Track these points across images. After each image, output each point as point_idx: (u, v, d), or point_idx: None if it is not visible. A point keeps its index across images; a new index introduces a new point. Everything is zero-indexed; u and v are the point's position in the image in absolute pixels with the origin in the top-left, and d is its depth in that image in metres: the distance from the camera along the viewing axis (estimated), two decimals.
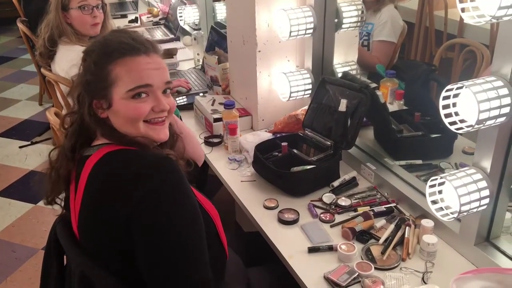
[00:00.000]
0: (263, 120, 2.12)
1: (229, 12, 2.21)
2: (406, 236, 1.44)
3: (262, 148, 1.80)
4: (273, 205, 1.63)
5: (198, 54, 2.94)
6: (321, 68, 2.00)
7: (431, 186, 1.31)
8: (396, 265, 1.35)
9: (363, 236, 1.46)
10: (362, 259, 1.38)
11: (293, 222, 1.55)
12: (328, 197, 1.65)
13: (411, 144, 1.87)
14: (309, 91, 2.00)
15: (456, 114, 1.19)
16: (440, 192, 1.30)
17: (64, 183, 1.20)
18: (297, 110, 2.03)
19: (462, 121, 1.19)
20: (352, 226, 1.49)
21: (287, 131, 2.02)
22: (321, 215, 1.57)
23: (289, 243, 1.46)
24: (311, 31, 1.88)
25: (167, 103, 1.17)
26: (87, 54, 1.17)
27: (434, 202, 1.31)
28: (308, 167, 1.67)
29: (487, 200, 1.24)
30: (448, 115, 1.20)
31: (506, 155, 1.24)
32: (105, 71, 1.12)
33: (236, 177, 1.82)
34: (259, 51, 1.97)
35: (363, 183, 1.75)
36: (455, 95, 1.19)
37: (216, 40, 2.76)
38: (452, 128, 1.19)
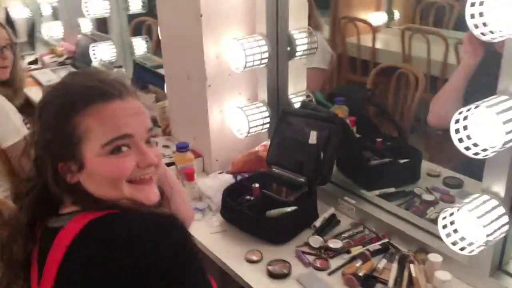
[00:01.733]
0: (217, 160, 1.92)
1: (166, 47, 2.00)
2: (413, 275, 1.31)
3: (229, 192, 1.60)
4: (257, 258, 1.43)
5: None
6: (277, 99, 1.86)
7: (443, 218, 1.20)
8: None
9: (369, 281, 1.32)
10: None
11: (287, 275, 1.36)
12: (314, 241, 1.48)
13: (382, 172, 1.78)
14: (267, 125, 1.85)
15: (468, 137, 1.10)
16: (451, 223, 1.20)
17: (20, 267, 0.92)
18: (254, 147, 1.86)
19: (475, 145, 1.11)
20: (354, 272, 1.34)
21: (247, 170, 1.83)
22: (315, 262, 1.40)
23: None
24: (265, 60, 1.74)
25: (154, 155, 0.94)
26: (42, 108, 0.92)
27: (447, 235, 1.20)
28: (289, 209, 1.50)
29: (506, 227, 1.16)
30: (460, 140, 1.11)
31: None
32: (70, 126, 0.88)
33: (203, 229, 1.59)
34: (209, 86, 1.78)
35: (344, 220, 1.61)
36: (465, 118, 1.10)
37: (144, 77, 2.52)
38: (469, 153, 1.09)
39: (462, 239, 1.18)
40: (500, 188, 1.17)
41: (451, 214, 1.19)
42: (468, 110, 1.08)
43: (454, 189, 1.77)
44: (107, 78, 0.95)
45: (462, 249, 1.18)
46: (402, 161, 1.80)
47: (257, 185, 1.60)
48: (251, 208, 1.53)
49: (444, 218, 1.20)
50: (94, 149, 0.88)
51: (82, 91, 0.90)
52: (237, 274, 1.39)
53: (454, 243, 1.18)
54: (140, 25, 3.44)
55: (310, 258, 1.42)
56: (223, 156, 1.92)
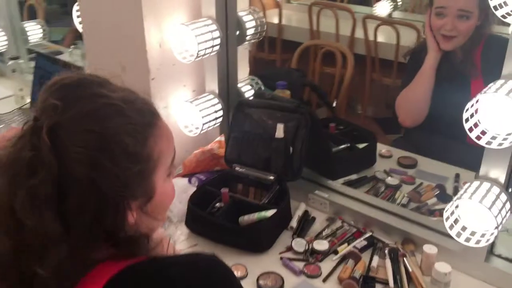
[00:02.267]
0: None
1: (89, 33, 1.70)
2: (410, 270, 1.26)
3: (195, 201, 1.41)
4: (242, 273, 1.27)
5: (21, 90, 2.27)
6: (227, 90, 1.68)
7: (450, 213, 1.15)
8: None
9: (368, 283, 1.23)
10: None
11: None
12: (298, 244, 1.36)
13: (344, 159, 1.71)
14: (220, 119, 1.67)
15: (476, 125, 1.05)
16: (452, 213, 1.16)
17: None
18: (205, 144, 1.68)
19: (483, 132, 1.06)
20: (350, 275, 1.25)
21: (201, 170, 1.65)
22: (304, 269, 1.29)
23: None
24: (217, 47, 1.55)
25: None
26: (106, 141, 0.69)
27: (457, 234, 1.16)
28: (268, 213, 1.36)
29: (509, 213, 1.14)
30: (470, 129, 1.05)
31: None
32: (146, 151, 0.72)
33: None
34: (153, 79, 1.54)
35: (319, 216, 1.51)
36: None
37: (50, 70, 2.16)
38: (481, 142, 1.04)
39: (473, 233, 1.14)
40: (499, 174, 1.14)
41: (457, 207, 1.14)
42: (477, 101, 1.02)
43: (410, 169, 1.76)
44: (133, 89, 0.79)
45: (467, 240, 1.14)
46: (361, 145, 1.74)
47: (226, 190, 1.43)
48: (224, 217, 1.36)
49: (450, 212, 1.15)
50: (162, 174, 0.76)
51: (146, 108, 0.75)
52: None
53: (467, 240, 1.13)
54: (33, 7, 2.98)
55: (299, 265, 1.30)
56: None
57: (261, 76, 2.32)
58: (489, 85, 1.04)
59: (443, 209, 1.49)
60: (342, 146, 1.73)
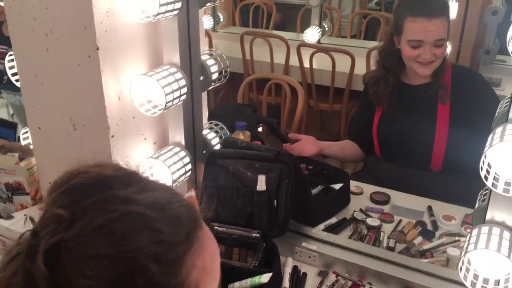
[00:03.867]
0: None
1: (27, 86, 1.47)
2: None
3: None
4: None
5: None
6: (193, 140, 1.54)
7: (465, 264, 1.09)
8: None
9: None
10: None
11: None
12: None
13: (321, 202, 1.62)
14: (189, 173, 1.51)
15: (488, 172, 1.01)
16: (462, 263, 1.11)
17: None
18: None
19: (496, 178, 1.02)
20: None
21: None
22: None
23: None
24: (184, 96, 1.40)
25: None
26: (126, 269, 0.52)
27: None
28: (264, 278, 1.22)
29: None
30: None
31: None
32: (180, 278, 0.54)
33: None
34: (113, 136, 1.36)
35: (309, 271, 1.41)
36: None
37: None
38: (498, 190, 1.00)
39: (485, 281, 1.09)
40: (507, 217, 1.11)
41: (469, 259, 1.08)
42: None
43: (385, 205, 1.72)
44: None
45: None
46: (336, 186, 1.67)
47: None
48: None
49: (465, 263, 1.09)
50: None
51: (181, 215, 0.58)
52: None
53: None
54: None
55: None
56: None
57: (213, 115, 2.20)
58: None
59: (432, 248, 1.47)
60: (318, 189, 1.65)
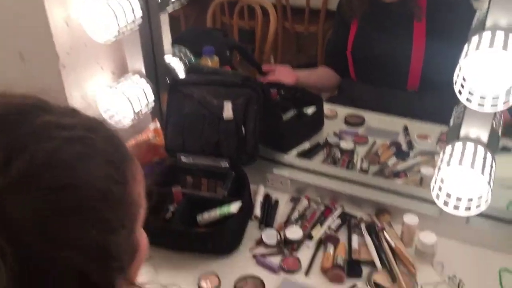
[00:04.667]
0: None
1: None
2: (393, 245, 1.17)
3: None
4: (215, 283, 1.10)
5: None
6: (154, 67, 1.44)
7: (437, 182, 1.06)
8: (417, 287, 1.09)
9: (355, 269, 1.13)
10: None
11: None
12: (268, 236, 1.22)
13: (293, 127, 1.56)
14: (152, 104, 1.43)
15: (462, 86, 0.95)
16: (442, 183, 1.07)
17: None
18: (136, 134, 1.44)
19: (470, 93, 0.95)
20: (333, 263, 1.13)
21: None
22: (282, 264, 1.15)
23: None
24: (140, 20, 1.29)
25: None
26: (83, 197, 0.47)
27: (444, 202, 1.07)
28: (233, 208, 1.18)
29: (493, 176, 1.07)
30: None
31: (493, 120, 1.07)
32: (128, 195, 0.52)
33: None
34: (64, 67, 1.26)
35: (281, 197, 1.37)
36: None
37: None
38: (472, 106, 0.94)
39: (458, 198, 1.06)
40: (481, 133, 1.06)
41: (442, 178, 1.05)
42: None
43: (359, 127, 1.67)
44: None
45: (467, 209, 1.06)
46: (309, 110, 1.60)
47: (178, 188, 1.22)
48: (182, 221, 1.17)
49: (434, 181, 1.06)
50: (140, 226, 0.56)
51: (110, 135, 0.53)
52: None
53: (456, 207, 1.05)
54: None
55: (274, 260, 1.16)
56: None
57: (178, 41, 2.07)
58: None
59: (406, 168, 1.44)
60: (290, 114, 1.58)
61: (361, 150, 1.54)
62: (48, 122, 0.48)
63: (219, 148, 1.30)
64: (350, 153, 1.52)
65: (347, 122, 1.70)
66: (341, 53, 1.90)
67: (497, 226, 1.18)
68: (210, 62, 1.67)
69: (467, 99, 0.94)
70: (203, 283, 1.10)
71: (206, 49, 1.68)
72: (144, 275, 0.61)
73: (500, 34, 0.90)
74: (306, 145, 1.55)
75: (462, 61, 0.90)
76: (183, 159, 1.33)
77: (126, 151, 0.54)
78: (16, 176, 0.43)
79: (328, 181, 1.36)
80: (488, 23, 0.94)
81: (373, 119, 1.71)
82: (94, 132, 0.50)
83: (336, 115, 1.74)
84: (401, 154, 1.51)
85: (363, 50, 1.85)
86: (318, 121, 1.64)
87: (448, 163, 1.02)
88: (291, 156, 1.46)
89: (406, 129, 1.63)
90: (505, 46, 0.87)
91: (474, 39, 0.92)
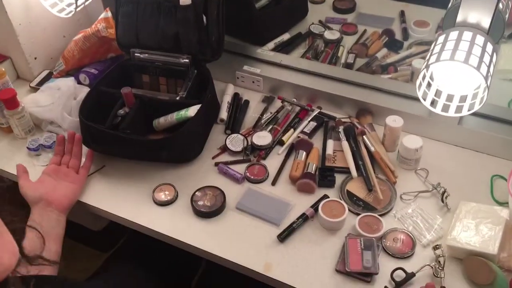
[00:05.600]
0: (35, 58, 1.27)
1: None
2: (373, 150, 1.03)
3: (89, 111, 1.05)
4: (170, 195, 0.99)
5: None
6: None
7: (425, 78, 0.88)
8: (396, 197, 0.97)
9: (327, 177, 1.00)
10: (355, 213, 0.94)
11: (222, 207, 0.97)
12: (233, 142, 1.08)
13: (270, 15, 1.35)
14: None
15: None
16: (423, 78, 0.90)
17: None
18: (87, 26, 1.25)
19: None
20: (303, 172, 1.00)
21: (89, 61, 1.25)
22: (247, 173, 1.02)
23: (245, 244, 0.91)
24: None
25: None
26: None
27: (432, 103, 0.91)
28: (191, 111, 1.03)
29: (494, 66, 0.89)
30: None
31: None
32: None
33: None
34: None
35: (253, 97, 1.22)
36: None
37: None
38: None
39: (450, 98, 0.89)
40: (482, 18, 0.86)
41: (431, 73, 0.87)
42: None
43: (349, 14, 1.46)
44: None
45: (444, 109, 0.90)
46: None
47: (127, 89, 1.06)
48: (132, 126, 1.03)
49: (422, 76, 0.88)
50: None
51: None
52: (149, 228, 0.95)
53: (443, 108, 0.89)
54: None
55: (238, 169, 1.03)
56: (43, 50, 1.28)
57: None
58: None
59: (397, 61, 1.26)
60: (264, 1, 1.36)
61: (348, 41, 1.35)
62: None
63: (178, 41, 1.12)
64: (336, 44, 1.33)
65: (335, 8, 1.48)
66: None
67: (494, 127, 1.03)
68: None
69: None
70: (158, 195, 0.99)
71: None
72: None
73: None
74: (285, 37, 1.36)
75: None
76: (138, 55, 1.15)
77: None
78: None
79: (307, 78, 1.19)
80: None
81: (366, 3, 1.49)
82: None
83: (324, 0, 1.52)
84: (394, 45, 1.32)
85: None
86: (300, 7, 1.43)
87: (438, 58, 0.83)
88: (265, 50, 1.27)
89: (402, 14, 1.42)
90: None
91: None
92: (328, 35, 1.35)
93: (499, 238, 0.83)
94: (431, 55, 0.87)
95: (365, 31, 1.38)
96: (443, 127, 1.05)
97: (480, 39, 0.86)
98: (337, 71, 1.20)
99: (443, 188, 0.95)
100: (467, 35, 0.86)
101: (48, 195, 0.94)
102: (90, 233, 1.50)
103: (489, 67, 0.84)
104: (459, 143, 1.06)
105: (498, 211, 0.88)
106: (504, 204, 0.93)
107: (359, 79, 1.16)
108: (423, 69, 0.87)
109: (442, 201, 0.94)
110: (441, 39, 0.88)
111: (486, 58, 0.84)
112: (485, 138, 1.03)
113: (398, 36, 1.35)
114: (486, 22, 0.87)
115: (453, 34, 0.87)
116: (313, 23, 1.41)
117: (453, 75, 0.88)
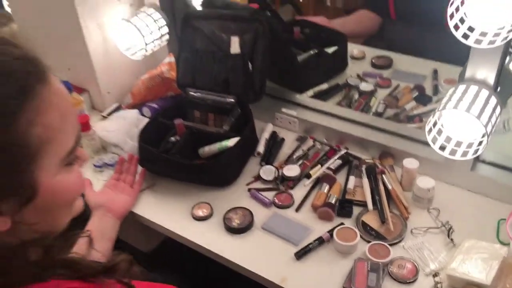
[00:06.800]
0: (109, 93, 1.50)
1: None
2: (390, 188, 1.14)
3: (146, 137, 1.25)
4: (206, 212, 1.15)
5: None
6: (170, 0, 1.44)
7: (432, 124, 1.01)
8: (406, 230, 1.07)
9: (345, 208, 1.12)
10: (367, 241, 1.05)
11: (250, 226, 1.11)
12: (266, 172, 1.23)
13: (311, 66, 1.52)
14: (166, 37, 1.45)
15: (462, 21, 0.87)
16: (434, 124, 1.02)
17: None
18: (153, 67, 1.47)
19: (470, 29, 0.88)
20: (325, 201, 1.13)
21: (152, 98, 1.46)
22: (275, 199, 1.16)
23: (266, 259, 1.04)
24: None
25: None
26: None
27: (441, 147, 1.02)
28: (230, 142, 1.20)
29: (499, 118, 1.00)
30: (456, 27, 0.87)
31: (504, 58, 0.99)
32: (12, 135, 0.50)
33: None
34: None
35: (288, 136, 1.37)
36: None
37: None
38: (469, 42, 0.87)
39: (458, 143, 1.01)
40: (488, 75, 0.99)
41: (438, 118, 1.00)
42: None
43: (385, 70, 1.60)
44: (12, 36, 0.55)
45: (464, 154, 1.01)
46: (330, 49, 1.55)
47: (180, 121, 1.25)
48: (181, 152, 1.21)
49: (433, 123, 1.01)
50: (51, 166, 0.54)
51: (12, 68, 0.51)
52: (186, 238, 1.10)
53: (443, 147, 1.00)
54: None
55: (268, 195, 1.18)
56: (116, 86, 1.50)
57: None
58: None
59: (424, 113, 1.37)
60: (309, 53, 1.54)
61: (381, 93, 1.49)
62: None
63: (227, 84, 1.31)
64: (369, 95, 1.47)
65: (374, 64, 1.63)
66: None
67: (504, 175, 1.11)
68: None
69: (464, 35, 0.87)
70: (196, 211, 1.14)
71: None
72: None
73: None
74: (323, 86, 1.52)
75: None
76: (193, 94, 1.35)
77: (25, 89, 0.51)
78: None
79: (338, 123, 1.33)
80: None
81: (403, 61, 1.63)
82: (11, 45, 0.52)
83: (364, 57, 1.68)
84: (423, 99, 1.44)
85: None
86: (340, 61, 1.59)
87: (444, 107, 0.96)
88: (304, 96, 1.44)
89: (435, 72, 1.54)
90: None
91: None
92: (363, 86, 1.50)
93: (494, 271, 0.91)
94: (440, 105, 0.99)
95: (398, 85, 1.51)
96: (456, 173, 1.15)
97: (484, 93, 0.98)
98: (366, 118, 1.34)
99: (450, 225, 1.05)
100: (473, 89, 0.99)
101: (108, 204, 1.12)
102: (140, 254, 1.66)
103: (490, 117, 0.95)
104: (471, 188, 1.15)
105: (497, 249, 0.96)
106: (507, 245, 1.01)
107: (386, 126, 1.29)
108: (432, 116, 1.00)
109: (448, 236, 1.03)
110: (450, 91, 1.01)
111: (488, 110, 0.95)
112: (496, 185, 1.11)
113: (429, 91, 1.48)
114: (491, 79, 0.99)
115: (461, 88, 1.00)
116: (351, 76, 1.57)
117: (461, 123, 0.99)
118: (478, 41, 0.87)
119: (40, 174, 0.53)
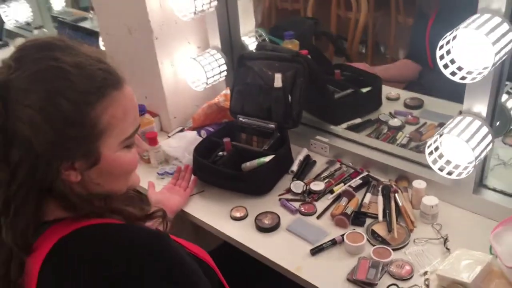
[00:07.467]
0: (175, 117, 1.81)
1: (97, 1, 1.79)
2: (400, 204, 1.33)
3: (200, 151, 1.52)
4: (242, 213, 1.38)
5: None
6: (230, 44, 1.75)
7: (431, 146, 1.20)
8: (409, 239, 1.24)
9: (359, 218, 1.32)
10: (373, 245, 1.23)
11: (277, 226, 1.33)
12: (296, 186, 1.45)
13: (347, 104, 1.75)
14: (224, 73, 1.74)
15: (452, 62, 1.08)
16: (436, 149, 1.21)
17: None
18: (212, 98, 1.76)
19: (459, 68, 1.08)
20: (342, 211, 1.33)
21: (209, 123, 1.75)
22: (301, 208, 1.38)
23: (286, 253, 1.25)
24: (215, 2, 1.60)
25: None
26: (47, 102, 0.72)
27: (434, 161, 1.21)
28: (266, 159, 1.45)
29: (490, 146, 1.18)
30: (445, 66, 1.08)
31: (496, 96, 1.17)
32: (88, 119, 0.74)
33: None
34: (157, 39, 1.63)
35: (319, 159, 1.59)
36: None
37: (72, 37, 2.28)
38: (456, 78, 1.07)
39: (456, 166, 1.19)
40: (481, 108, 1.17)
41: (436, 141, 1.19)
42: (451, 34, 1.04)
43: (416, 110, 1.79)
44: (101, 55, 0.80)
45: (449, 173, 1.19)
46: (364, 90, 1.78)
47: (227, 139, 1.52)
48: (226, 164, 1.47)
49: (431, 145, 1.20)
50: (113, 145, 0.79)
51: (95, 75, 0.75)
52: (225, 233, 1.34)
53: (441, 169, 1.19)
54: None
55: (295, 204, 1.40)
56: (181, 112, 1.81)
57: (276, 27, 2.37)
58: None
59: None
60: (346, 92, 1.77)
61: (408, 129, 1.68)
62: (51, 55, 0.74)
63: (270, 112, 1.56)
64: (397, 129, 1.67)
65: (406, 104, 1.83)
66: (420, 41, 2.00)
67: (504, 200, 1.26)
68: (291, 45, 1.93)
69: (452, 73, 1.07)
70: (234, 213, 1.38)
71: (287, 33, 1.94)
72: None
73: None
74: (356, 121, 1.73)
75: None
76: (241, 119, 1.62)
77: (101, 90, 0.74)
78: (18, 77, 0.73)
79: (364, 150, 1.54)
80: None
81: (433, 103, 1.81)
82: (78, 68, 0.74)
83: (398, 98, 1.88)
84: None
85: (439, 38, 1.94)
86: (374, 100, 1.80)
87: (441, 133, 1.15)
88: (339, 128, 1.66)
89: (460, 113, 1.70)
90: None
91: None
92: (393, 122, 1.70)
93: (477, 273, 1.06)
94: (438, 132, 1.18)
95: (425, 123, 1.70)
96: (460, 195, 1.31)
97: (476, 123, 1.16)
98: (390, 148, 1.53)
99: (447, 236, 1.21)
100: (467, 119, 1.17)
101: (164, 201, 1.39)
102: None
103: (479, 143, 1.13)
104: (473, 209, 1.30)
105: (483, 256, 1.11)
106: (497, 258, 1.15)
107: (406, 154, 1.47)
108: (430, 142, 1.19)
109: (444, 244, 1.19)
110: (449, 121, 1.20)
111: (477, 137, 1.13)
112: (496, 208, 1.26)
113: None
114: (484, 112, 1.17)
115: (458, 118, 1.19)
116: (384, 113, 1.77)
117: (453, 147, 1.17)
118: (463, 78, 1.06)
119: (103, 149, 0.77)
